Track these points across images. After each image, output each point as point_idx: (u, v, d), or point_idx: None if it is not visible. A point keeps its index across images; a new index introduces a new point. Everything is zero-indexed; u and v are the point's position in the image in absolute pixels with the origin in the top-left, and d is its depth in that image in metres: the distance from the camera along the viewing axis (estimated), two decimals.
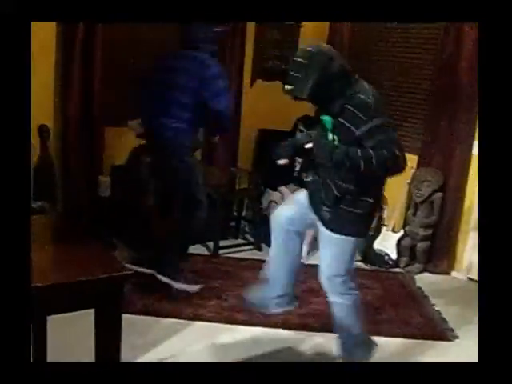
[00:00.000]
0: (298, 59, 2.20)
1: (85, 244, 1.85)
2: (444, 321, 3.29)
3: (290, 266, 2.55)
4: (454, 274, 4.05)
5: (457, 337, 3.12)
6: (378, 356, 2.81)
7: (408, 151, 3.94)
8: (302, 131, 4.23)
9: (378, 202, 2.43)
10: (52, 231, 2.07)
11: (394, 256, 4.05)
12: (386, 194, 4.32)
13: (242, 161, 4.66)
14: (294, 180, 4.33)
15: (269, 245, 4.20)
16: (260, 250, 4.21)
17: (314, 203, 2.41)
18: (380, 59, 4.51)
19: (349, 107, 2.17)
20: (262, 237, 4.25)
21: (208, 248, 4.10)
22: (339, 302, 2.46)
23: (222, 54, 4.31)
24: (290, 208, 2.54)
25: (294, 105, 4.75)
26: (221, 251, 4.05)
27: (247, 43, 4.47)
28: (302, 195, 2.49)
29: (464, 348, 2.98)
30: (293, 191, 4.24)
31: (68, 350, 2.43)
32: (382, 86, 4.42)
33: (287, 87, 2.23)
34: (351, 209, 2.30)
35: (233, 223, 4.48)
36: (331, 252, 2.41)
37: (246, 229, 4.56)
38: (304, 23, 4.75)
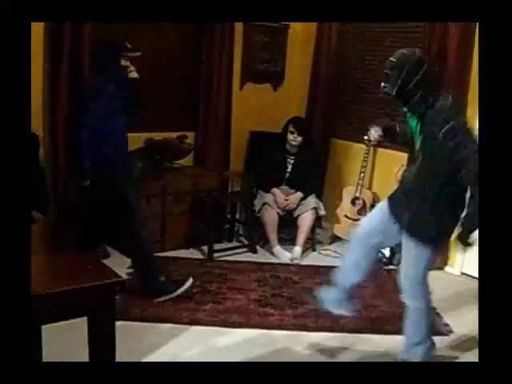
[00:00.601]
0: (392, 59, 2.37)
1: (76, 252, 1.85)
2: (438, 315, 3.31)
3: (362, 273, 2.69)
4: (447, 269, 4.07)
5: (451, 331, 3.14)
6: (372, 352, 2.84)
7: (398, 149, 4.04)
8: (292, 132, 4.25)
9: (455, 213, 2.51)
10: (43, 240, 2.07)
11: (387, 253, 4.07)
12: (377, 191, 4.42)
13: (234, 164, 4.67)
14: (286, 181, 4.34)
15: (262, 246, 4.27)
16: (254, 252, 4.22)
17: (395, 208, 2.56)
18: (368, 59, 4.53)
19: (430, 112, 2.33)
20: (255, 239, 4.27)
21: (202, 252, 4.11)
22: (414, 304, 2.62)
23: (211, 57, 4.34)
24: (372, 216, 2.72)
25: (284, 106, 4.82)
26: (215, 254, 4.05)
27: (236, 46, 4.48)
28: (384, 203, 2.64)
29: (459, 342, 3.01)
30: (285, 193, 4.26)
31: (63, 358, 2.41)
32: (370, 86, 4.46)
33: (382, 84, 2.41)
34: (428, 215, 2.45)
35: (227, 226, 4.49)
36: (410, 256, 2.58)
37: (240, 231, 4.58)
38: (292, 25, 4.78)
